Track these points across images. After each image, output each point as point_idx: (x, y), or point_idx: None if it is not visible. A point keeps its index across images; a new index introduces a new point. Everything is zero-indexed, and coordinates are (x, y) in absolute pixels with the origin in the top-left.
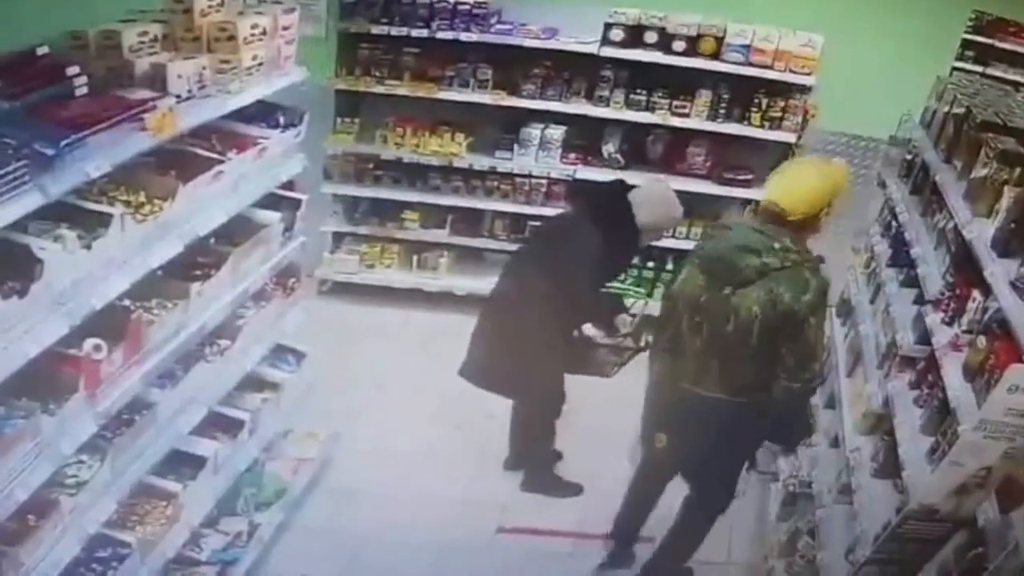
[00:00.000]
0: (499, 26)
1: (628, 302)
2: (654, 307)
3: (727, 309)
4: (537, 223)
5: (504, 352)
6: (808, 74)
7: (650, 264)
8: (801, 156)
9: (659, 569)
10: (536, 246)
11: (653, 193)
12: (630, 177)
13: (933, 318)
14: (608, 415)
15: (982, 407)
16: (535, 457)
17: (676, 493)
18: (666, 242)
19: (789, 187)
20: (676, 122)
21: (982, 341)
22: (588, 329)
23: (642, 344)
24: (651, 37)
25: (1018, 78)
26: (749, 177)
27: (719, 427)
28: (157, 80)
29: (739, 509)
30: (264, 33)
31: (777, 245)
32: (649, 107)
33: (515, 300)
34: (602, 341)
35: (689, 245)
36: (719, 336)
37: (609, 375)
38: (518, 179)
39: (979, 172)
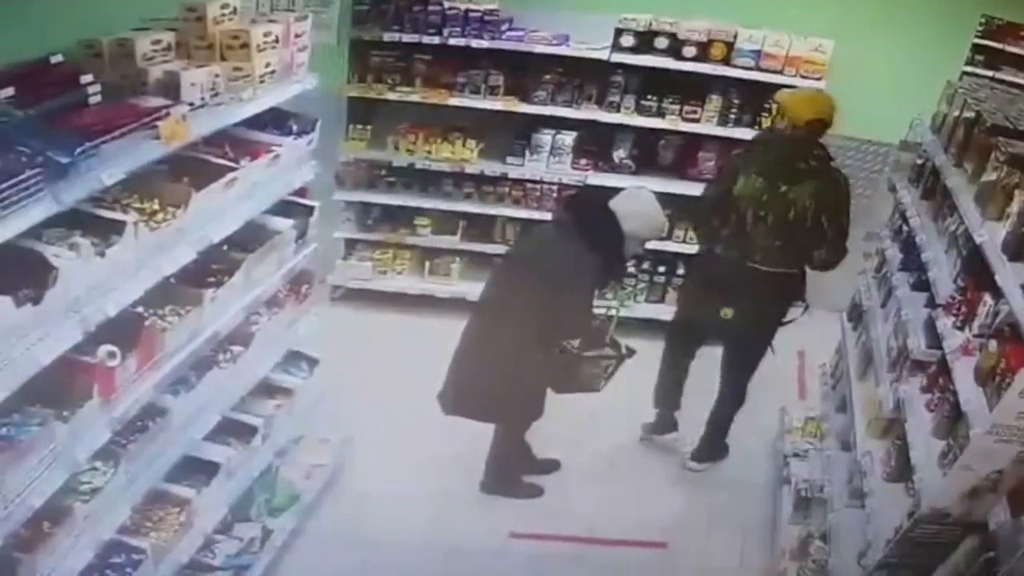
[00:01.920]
0: (510, 33)
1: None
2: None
3: (788, 202)
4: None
5: (487, 373)
6: (818, 79)
7: (661, 269)
8: None
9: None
10: (519, 261)
11: (637, 202)
12: (642, 183)
13: (944, 322)
14: (618, 432)
15: (993, 411)
16: (499, 462)
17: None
18: (678, 247)
19: (790, 103)
20: (687, 127)
21: (993, 345)
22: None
23: (624, 352)
24: (662, 43)
25: None
26: None
27: (774, 293)
28: (170, 88)
29: (752, 513)
30: (277, 41)
31: (815, 151)
32: (660, 113)
33: (499, 317)
34: (585, 354)
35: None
36: (781, 223)
37: (598, 389)
38: (529, 185)
39: (989, 176)
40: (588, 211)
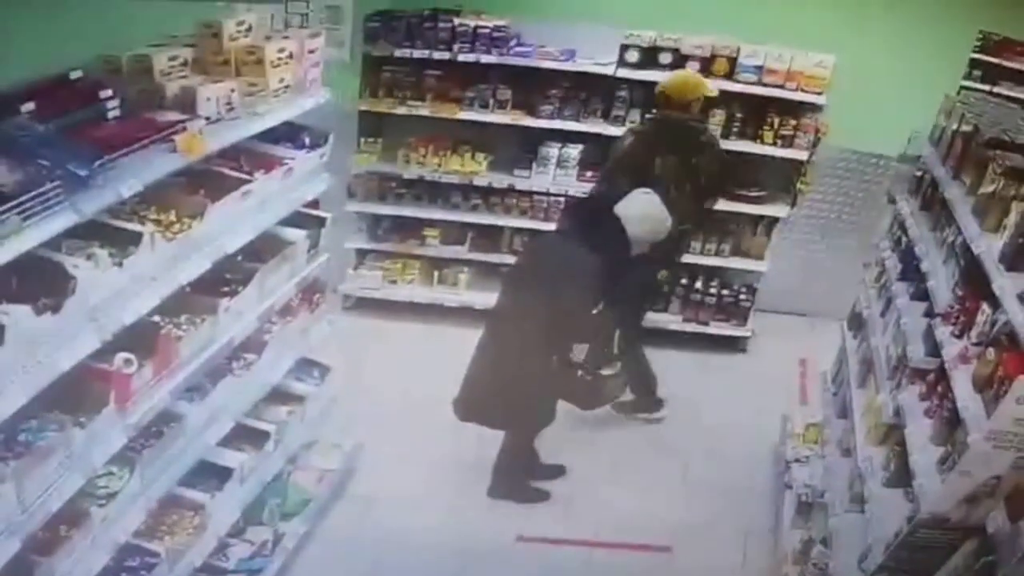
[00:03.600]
0: (518, 48)
1: None
2: None
3: (699, 171)
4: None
5: (501, 381)
6: (819, 93)
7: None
8: (813, 174)
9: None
10: (528, 269)
11: (642, 205)
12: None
13: (942, 331)
14: (622, 437)
15: (991, 417)
16: (507, 468)
17: None
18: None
19: (670, 85)
20: None
21: (991, 353)
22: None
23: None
24: (666, 58)
25: None
26: (762, 193)
27: (681, 243)
28: (187, 102)
29: (754, 517)
30: (291, 57)
31: (698, 125)
32: None
33: (512, 325)
34: (606, 374)
35: (704, 260)
36: (695, 189)
37: (620, 396)
38: (536, 196)
39: (987, 188)
40: (593, 217)
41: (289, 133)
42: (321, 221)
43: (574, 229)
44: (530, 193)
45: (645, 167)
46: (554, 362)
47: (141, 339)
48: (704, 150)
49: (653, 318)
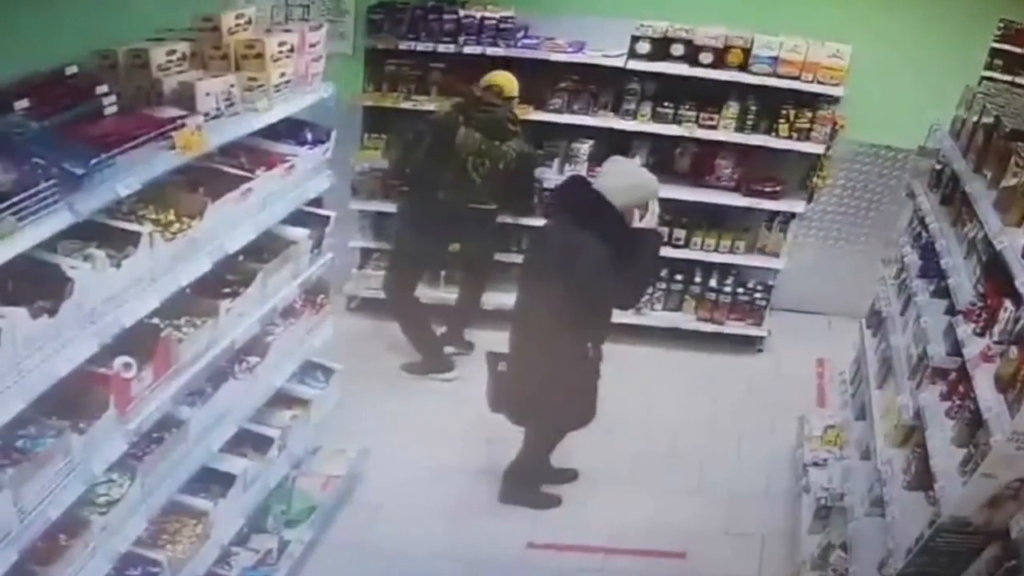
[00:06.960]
0: (526, 40)
1: None
2: None
3: (501, 154)
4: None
5: (534, 380)
6: (836, 85)
7: (678, 277)
8: (830, 168)
9: None
10: (537, 265)
11: (620, 175)
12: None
13: (964, 329)
14: (635, 441)
15: (1015, 418)
16: (519, 471)
17: None
18: (693, 254)
19: (499, 80)
20: (703, 134)
21: (1014, 351)
22: None
23: None
24: (678, 50)
25: None
26: (777, 188)
27: (489, 226)
28: (185, 98)
29: (771, 522)
30: (292, 50)
31: (516, 117)
32: (676, 120)
33: (538, 323)
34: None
35: (719, 258)
36: (495, 170)
37: None
38: (545, 193)
39: (1009, 181)
40: (577, 200)
41: (291, 129)
42: (324, 220)
43: (564, 215)
44: (538, 190)
45: (451, 133)
46: (588, 351)
47: (141, 342)
48: (509, 137)
49: (667, 317)
